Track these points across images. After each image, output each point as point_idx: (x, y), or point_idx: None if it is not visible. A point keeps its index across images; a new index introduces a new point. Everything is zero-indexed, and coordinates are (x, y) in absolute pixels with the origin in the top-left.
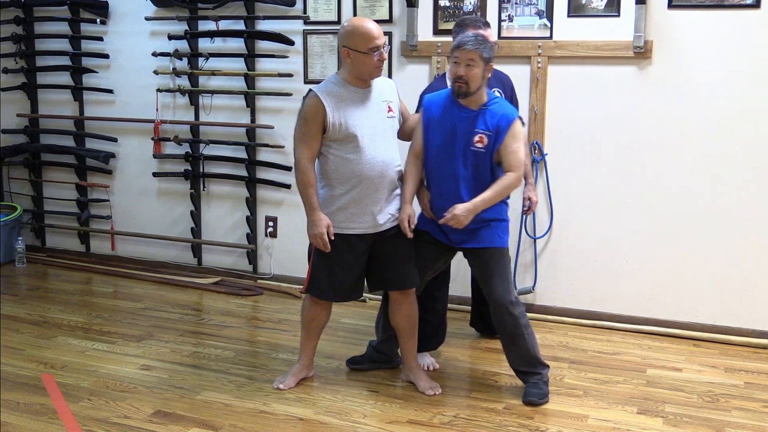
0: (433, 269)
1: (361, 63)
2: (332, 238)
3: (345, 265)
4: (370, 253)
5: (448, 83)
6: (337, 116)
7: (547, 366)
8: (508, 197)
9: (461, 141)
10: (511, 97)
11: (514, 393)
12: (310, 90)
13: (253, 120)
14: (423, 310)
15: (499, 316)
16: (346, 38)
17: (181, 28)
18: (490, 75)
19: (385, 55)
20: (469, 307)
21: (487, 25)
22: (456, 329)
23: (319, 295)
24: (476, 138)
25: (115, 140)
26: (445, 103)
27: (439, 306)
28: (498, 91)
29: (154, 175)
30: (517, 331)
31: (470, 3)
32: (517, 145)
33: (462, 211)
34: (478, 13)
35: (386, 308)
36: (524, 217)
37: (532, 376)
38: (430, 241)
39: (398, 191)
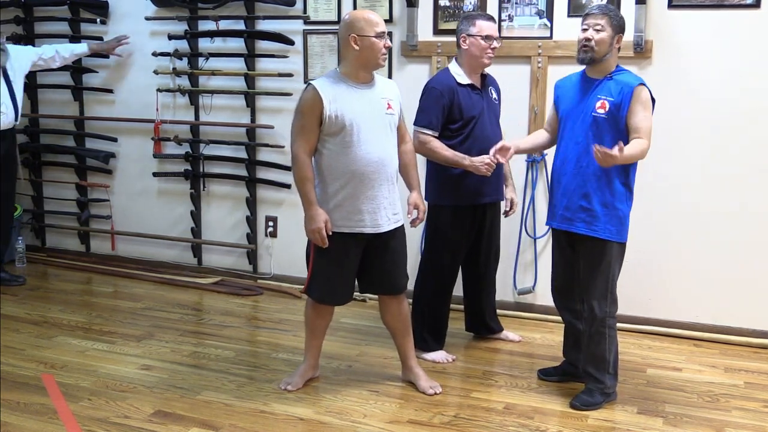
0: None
1: (369, 48)
2: (330, 233)
3: (344, 267)
4: (362, 254)
5: (456, 78)
6: (334, 109)
7: (615, 380)
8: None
9: (584, 108)
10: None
11: (514, 393)
12: (309, 83)
13: (253, 120)
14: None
15: (588, 311)
16: (352, 26)
17: (181, 28)
18: (619, 46)
19: (389, 44)
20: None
21: (493, 19)
22: (455, 329)
23: (318, 299)
24: (598, 104)
25: (115, 140)
26: (575, 79)
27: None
28: (494, 91)
29: (154, 175)
30: (601, 329)
31: (470, 3)
32: (644, 113)
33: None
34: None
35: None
36: (524, 216)
37: (594, 382)
38: (557, 238)
39: (396, 191)
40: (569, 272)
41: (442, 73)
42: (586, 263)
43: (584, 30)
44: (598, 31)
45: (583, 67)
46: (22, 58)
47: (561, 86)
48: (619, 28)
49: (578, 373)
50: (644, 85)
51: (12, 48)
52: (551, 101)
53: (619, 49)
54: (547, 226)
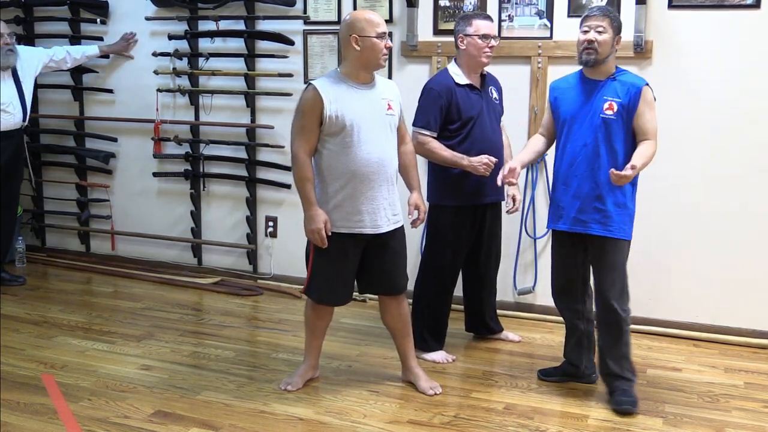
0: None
1: (370, 49)
2: (329, 234)
3: (343, 268)
4: (361, 255)
5: (455, 78)
6: (334, 109)
7: (636, 376)
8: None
9: (591, 110)
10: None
11: (514, 393)
12: (309, 83)
13: (253, 120)
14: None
15: (607, 311)
16: (353, 26)
17: (181, 28)
18: (618, 47)
19: (390, 44)
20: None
21: (490, 18)
22: (455, 329)
23: (317, 299)
24: (606, 105)
25: (115, 140)
26: (572, 81)
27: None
28: (494, 90)
29: (154, 175)
30: (625, 328)
31: (470, 3)
32: (650, 114)
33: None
34: None
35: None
36: (524, 216)
37: (623, 381)
38: (563, 239)
39: (396, 191)
40: (573, 273)
41: (440, 74)
42: (601, 264)
43: (585, 32)
44: (600, 32)
45: (579, 68)
46: (32, 59)
47: (558, 88)
48: (618, 29)
49: (579, 374)
50: (648, 85)
51: (22, 49)
52: None
53: (616, 50)
54: (546, 228)
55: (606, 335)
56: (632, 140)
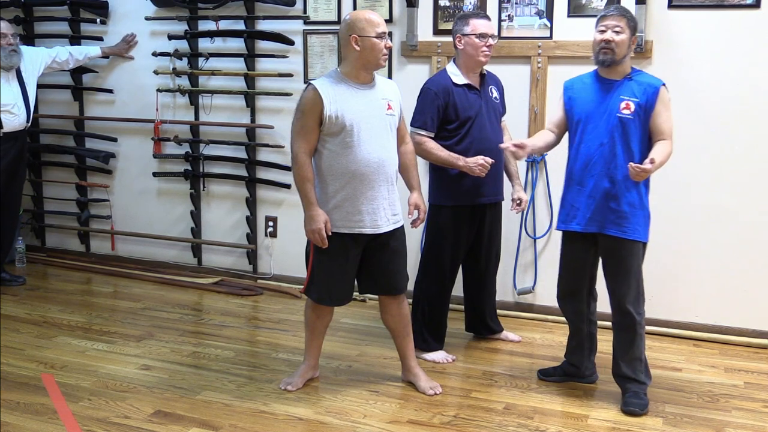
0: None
1: (370, 49)
2: (329, 233)
3: (343, 268)
4: (362, 255)
5: (452, 78)
6: (334, 109)
7: (650, 378)
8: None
9: (607, 110)
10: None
11: (514, 393)
12: (309, 83)
13: (253, 120)
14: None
15: (622, 315)
16: (353, 26)
17: (181, 28)
18: (634, 47)
19: (390, 44)
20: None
21: (487, 17)
22: (455, 329)
23: (317, 299)
24: (622, 105)
25: (115, 140)
26: (588, 80)
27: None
28: (494, 89)
29: (154, 175)
30: (639, 331)
31: (470, 3)
32: (667, 114)
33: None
34: None
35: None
36: (524, 216)
37: (635, 383)
38: (574, 238)
39: (395, 191)
40: (581, 275)
41: (438, 74)
42: (617, 268)
43: (602, 32)
44: (618, 32)
45: (593, 68)
46: (35, 60)
47: (572, 87)
48: (634, 29)
49: (579, 374)
50: (665, 85)
51: (25, 49)
52: (551, 101)
53: (632, 50)
54: (546, 228)
55: (620, 337)
56: (648, 141)
